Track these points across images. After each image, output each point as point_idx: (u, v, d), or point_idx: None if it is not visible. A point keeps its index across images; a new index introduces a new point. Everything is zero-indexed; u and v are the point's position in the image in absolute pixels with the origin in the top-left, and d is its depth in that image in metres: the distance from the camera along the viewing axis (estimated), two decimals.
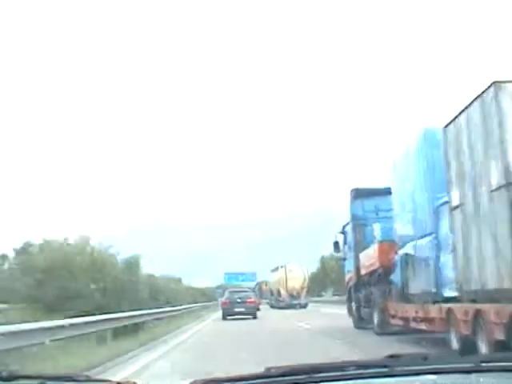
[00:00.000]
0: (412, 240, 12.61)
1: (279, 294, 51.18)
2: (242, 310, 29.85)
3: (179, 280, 52.96)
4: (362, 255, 17.20)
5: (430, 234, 11.70)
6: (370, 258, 16.11)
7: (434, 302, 11.47)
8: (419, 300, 12.41)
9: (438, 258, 11.46)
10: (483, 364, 1.79)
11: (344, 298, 50.00)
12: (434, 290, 11.62)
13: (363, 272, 17.04)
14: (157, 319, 23.51)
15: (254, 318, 29.26)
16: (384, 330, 14.90)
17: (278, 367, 1.81)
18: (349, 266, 19.39)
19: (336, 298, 59.94)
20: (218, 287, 78.02)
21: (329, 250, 70.35)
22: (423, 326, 11.92)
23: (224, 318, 30.13)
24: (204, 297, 67.54)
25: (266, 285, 61.33)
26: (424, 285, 12.09)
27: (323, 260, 73.47)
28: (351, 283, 18.92)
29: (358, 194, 18.39)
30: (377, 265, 15.29)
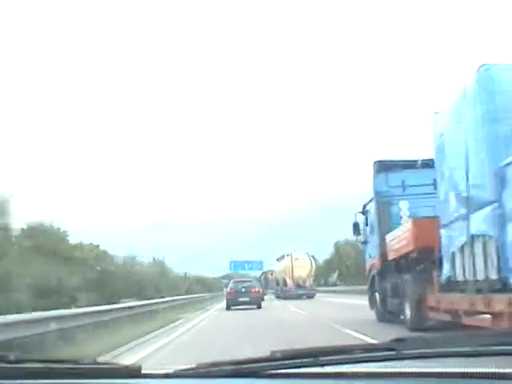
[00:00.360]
0: (463, 213, 9.77)
1: (285, 283, 48.49)
2: (247, 299, 29.52)
3: (161, 263, 40.82)
4: (389, 237, 14.37)
5: (490, 204, 8.87)
6: (400, 239, 13.27)
7: (495, 291, 8.71)
8: (472, 289, 9.60)
9: (502, 234, 8.61)
10: (493, 348, 1.68)
11: (351, 287, 48.10)
12: (495, 275, 8.83)
13: (391, 256, 14.21)
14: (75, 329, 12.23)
15: (259, 307, 28.80)
16: (419, 326, 12.05)
17: (283, 350, 1.75)
18: (371, 250, 16.57)
19: (342, 287, 57.09)
20: (224, 277, 75.11)
21: (341, 236, 66.16)
22: (483, 323, 9.10)
23: (228, 308, 29.64)
24: (204, 286, 63.89)
25: (272, 274, 58.51)
26: (481, 270, 9.28)
27: (338, 245, 68.12)
28: (374, 270, 16.10)
29: (382, 167, 15.58)
30: (411, 247, 12.44)
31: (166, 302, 27.74)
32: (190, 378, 1.78)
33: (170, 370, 1.79)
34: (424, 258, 12.10)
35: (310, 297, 44.89)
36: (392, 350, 1.70)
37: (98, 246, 28.77)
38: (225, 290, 40.68)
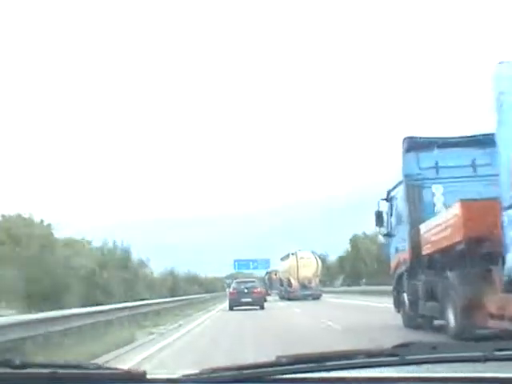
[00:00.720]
0: None
1: (289, 283, 45.69)
2: (249, 300, 28.91)
3: (125, 255, 28.76)
4: (424, 227, 11.71)
5: None
6: (441, 228, 10.58)
7: None
8: None
9: None
10: (496, 353, 1.65)
11: (367, 287, 44.94)
12: None
13: (426, 250, 11.54)
14: None
15: (262, 308, 28.04)
16: (468, 334, 9.39)
17: (288, 356, 1.72)
18: (398, 243, 13.89)
19: (354, 288, 54.24)
20: (228, 277, 72.23)
21: (346, 234, 61.53)
22: None
23: (230, 308, 29.01)
24: (202, 287, 59.71)
25: (276, 274, 55.68)
26: None
27: (355, 239, 60.87)
28: (402, 267, 13.43)
29: (413, 145, 12.98)
30: (458, 237, 9.76)
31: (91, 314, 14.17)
32: (194, 383, 1.72)
33: (175, 375, 1.75)
34: (476, 250, 9.48)
35: (316, 298, 42.13)
36: (396, 356, 1.69)
37: (91, 241, 26.02)
38: (228, 290, 39.11)
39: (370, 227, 54.83)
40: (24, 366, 1.75)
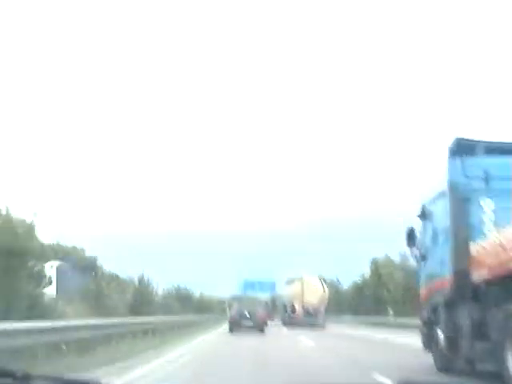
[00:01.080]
0: None
1: (293, 309, 42.93)
2: (250, 323, 28.48)
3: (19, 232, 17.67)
4: (477, 247, 9.23)
5: None
6: (507, 248, 8.09)
7: None
8: None
9: None
10: None
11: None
12: None
13: (480, 276, 9.01)
14: None
15: (262, 332, 27.69)
16: None
17: None
18: (434, 268, 11.32)
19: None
20: (234, 298, 69.01)
21: (373, 254, 56.37)
22: None
23: (231, 331, 28.49)
24: (191, 308, 52.67)
25: (280, 298, 52.77)
26: None
27: (376, 263, 52.30)
28: (438, 296, 10.87)
29: (461, 149, 10.59)
30: None
31: None
32: None
33: None
34: None
35: (320, 327, 39.22)
36: None
37: None
38: (228, 312, 37.46)
39: (382, 252, 51.69)
40: (27, 377, 1.76)
